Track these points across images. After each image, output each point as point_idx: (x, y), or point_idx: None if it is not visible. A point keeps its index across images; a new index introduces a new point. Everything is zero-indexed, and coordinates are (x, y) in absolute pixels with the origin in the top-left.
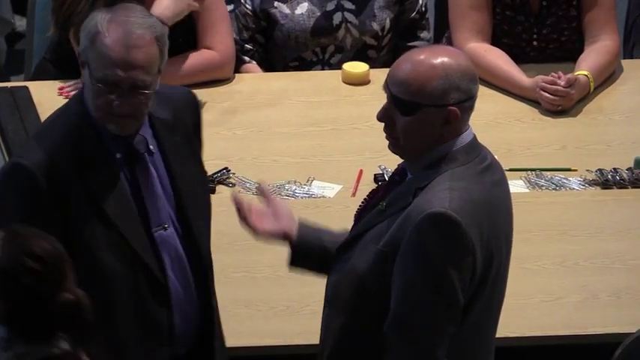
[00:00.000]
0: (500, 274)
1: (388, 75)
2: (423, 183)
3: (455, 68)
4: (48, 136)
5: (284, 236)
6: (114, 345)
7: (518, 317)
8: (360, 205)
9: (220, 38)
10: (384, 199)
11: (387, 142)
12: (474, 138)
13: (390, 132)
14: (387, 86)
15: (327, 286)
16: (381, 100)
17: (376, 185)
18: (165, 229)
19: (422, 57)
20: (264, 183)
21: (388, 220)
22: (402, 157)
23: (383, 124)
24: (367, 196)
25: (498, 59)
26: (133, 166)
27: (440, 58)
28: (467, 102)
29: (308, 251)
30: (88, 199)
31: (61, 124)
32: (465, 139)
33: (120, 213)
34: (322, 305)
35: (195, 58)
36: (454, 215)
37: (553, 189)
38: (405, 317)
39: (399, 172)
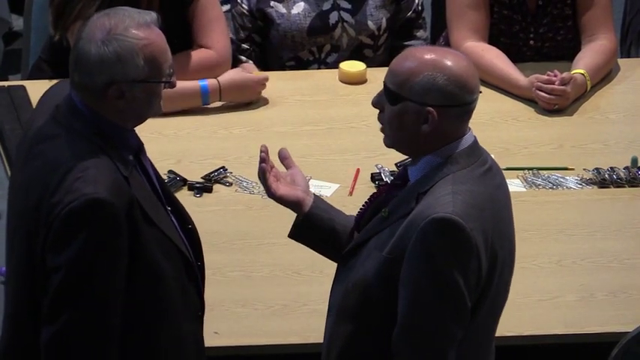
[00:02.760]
0: (504, 277)
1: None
2: (425, 188)
3: (445, 71)
4: (87, 168)
5: (296, 204)
6: (175, 336)
7: (515, 316)
8: (360, 208)
9: (217, 37)
10: (386, 205)
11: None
12: (475, 141)
13: (380, 118)
14: (385, 74)
15: (331, 295)
16: None
17: (373, 184)
18: (169, 211)
19: (420, 53)
20: (285, 149)
21: (391, 226)
22: (396, 150)
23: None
24: (368, 199)
25: (495, 59)
26: (140, 159)
27: (437, 57)
28: (451, 108)
29: (315, 226)
30: (140, 211)
31: (86, 151)
32: (465, 142)
33: (156, 212)
34: (319, 304)
35: (193, 57)
36: (458, 220)
37: (550, 188)
38: (413, 323)
39: (401, 175)
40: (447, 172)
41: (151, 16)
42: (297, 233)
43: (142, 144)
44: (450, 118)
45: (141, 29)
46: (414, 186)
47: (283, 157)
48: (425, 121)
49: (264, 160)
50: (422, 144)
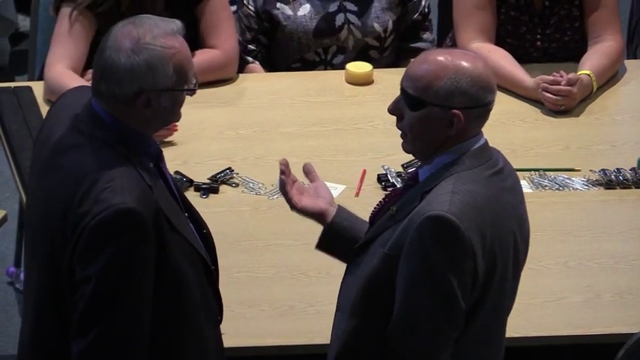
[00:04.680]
0: (508, 281)
1: (405, 69)
2: (430, 187)
3: (467, 73)
4: (114, 177)
5: (320, 215)
6: (198, 341)
7: (521, 317)
8: (375, 208)
9: (225, 38)
10: (396, 203)
11: (392, 142)
12: (485, 143)
13: (399, 126)
14: (401, 80)
15: (340, 291)
16: (385, 100)
17: (380, 186)
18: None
19: (438, 56)
20: (310, 164)
21: (396, 224)
22: (413, 155)
23: (393, 120)
24: (382, 199)
25: (502, 60)
26: (160, 167)
27: (455, 60)
28: (474, 109)
29: (338, 235)
30: (165, 220)
31: (111, 160)
32: (474, 143)
33: (178, 218)
34: (325, 305)
35: (199, 58)
36: (452, 218)
37: (556, 189)
38: (407, 320)
39: (413, 176)
40: (452, 172)
41: (176, 24)
42: (323, 244)
43: (161, 151)
44: (473, 119)
45: (168, 38)
46: (420, 185)
47: (307, 172)
48: (450, 125)
49: (283, 172)
50: (441, 146)
